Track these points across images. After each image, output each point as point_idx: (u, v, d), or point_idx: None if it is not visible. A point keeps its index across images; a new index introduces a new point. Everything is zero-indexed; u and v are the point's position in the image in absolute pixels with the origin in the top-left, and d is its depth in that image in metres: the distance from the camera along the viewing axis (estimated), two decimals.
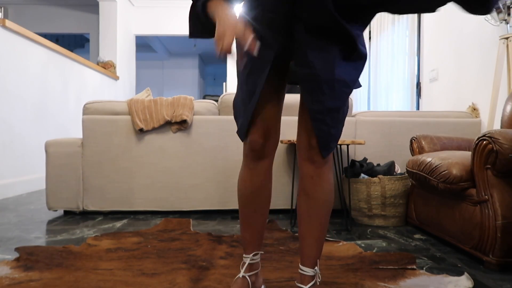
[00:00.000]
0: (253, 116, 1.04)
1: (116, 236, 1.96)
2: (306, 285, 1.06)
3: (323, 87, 0.95)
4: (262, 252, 1.28)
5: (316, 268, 1.07)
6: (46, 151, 2.53)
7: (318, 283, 1.08)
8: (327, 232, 2.11)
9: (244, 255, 1.20)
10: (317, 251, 1.09)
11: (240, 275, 1.17)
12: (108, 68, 5.56)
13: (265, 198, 1.18)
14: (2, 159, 3.22)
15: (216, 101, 2.78)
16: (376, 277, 1.41)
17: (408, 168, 2.16)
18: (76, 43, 9.45)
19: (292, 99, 2.54)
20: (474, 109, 2.86)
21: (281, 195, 2.57)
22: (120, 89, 6.00)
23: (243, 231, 1.21)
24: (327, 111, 0.97)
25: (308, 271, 1.07)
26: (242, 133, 1.08)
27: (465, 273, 1.41)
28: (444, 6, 0.89)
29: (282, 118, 2.54)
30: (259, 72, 0.99)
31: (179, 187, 2.56)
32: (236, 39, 0.93)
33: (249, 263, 1.18)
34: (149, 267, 1.51)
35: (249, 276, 1.17)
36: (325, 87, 0.95)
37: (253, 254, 1.19)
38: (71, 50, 9.15)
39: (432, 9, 0.93)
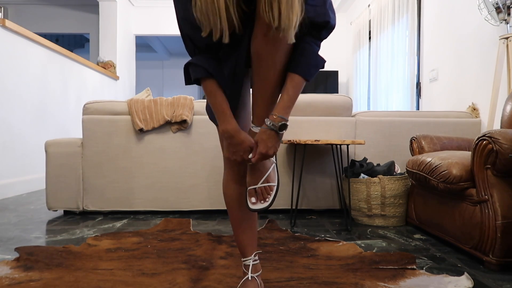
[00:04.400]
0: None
1: (116, 236, 1.96)
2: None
3: None
4: (261, 251, 1.28)
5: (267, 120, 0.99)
6: (46, 151, 2.54)
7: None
8: (327, 232, 2.11)
9: (244, 259, 1.19)
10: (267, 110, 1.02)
11: (249, 276, 1.15)
12: (108, 68, 5.56)
13: None
14: (2, 159, 3.22)
15: None
16: (376, 277, 1.41)
17: (408, 168, 2.16)
18: (76, 43, 9.45)
19: None
20: (474, 109, 2.86)
21: (281, 195, 2.57)
22: (120, 89, 6.00)
23: (238, 235, 1.19)
24: None
25: (254, 129, 1.02)
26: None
27: (465, 273, 1.41)
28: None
29: None
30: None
31: (179, 187, 2.56)
32: None
33: (253, 265, 1.17)
34: (149, 267, 1.51)
35: (256, 276, 1.17)
36: None
37: (253, 254, 1.19)
38: (71, 50, 9.15)
39: None
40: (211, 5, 0.87)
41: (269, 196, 1.02)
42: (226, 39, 0.91)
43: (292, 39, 0.89)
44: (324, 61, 1.02)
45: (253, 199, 1.02)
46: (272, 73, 0.96)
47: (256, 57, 0.96)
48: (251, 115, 1.06)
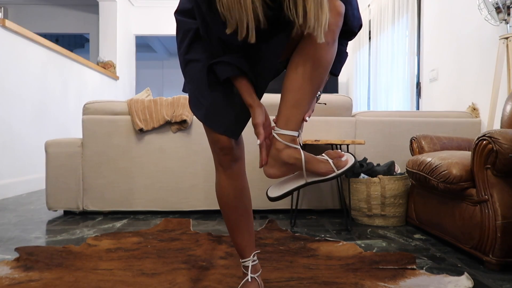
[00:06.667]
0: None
1: (116, 236, 1.96)
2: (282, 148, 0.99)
3: None
4: (259, 251, 1.27)
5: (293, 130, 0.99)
6: (46, 151, 2.54)
7: (300, 143, 1.02)
8: (327, 232, 2.11)
9: (243, 260, 1.18)
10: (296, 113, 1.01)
11: (249, 278, 1.15)
12: (108, 68, 5.56)
13: (248, 199, 1.18)
14: (2, 159, 3.22)
15: None
16: (376, 277, 1.41)
17: (408, 168, 2.16)
18: (76, 43, 9.45)
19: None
20: (474, 109, 2.86)
21: None
22: (120, 89, 6.00)
23: (235, 237, 1.18)
24: None
25: (284, 132, 0.99)
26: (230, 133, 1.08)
27: (465, 273, 1.41)
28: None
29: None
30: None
31: (179, 187, 2.56)
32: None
33: (252, 265, 1.17)
34: (149, 267, 1.51)
35: (257, 277, 1.17)
36: None
37: (252, 255, 1.18)
38: (71, 50, 9.14)
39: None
40: (236, 1, 0.83)
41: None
42: (252, 39, 0.86)
43: (322, 39, 0.86)
44: (347, 55, 1.11)
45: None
46: (324, 76, 0.99)
47: (315, 62, 0.94)
48: (277, 115, 1.02)
